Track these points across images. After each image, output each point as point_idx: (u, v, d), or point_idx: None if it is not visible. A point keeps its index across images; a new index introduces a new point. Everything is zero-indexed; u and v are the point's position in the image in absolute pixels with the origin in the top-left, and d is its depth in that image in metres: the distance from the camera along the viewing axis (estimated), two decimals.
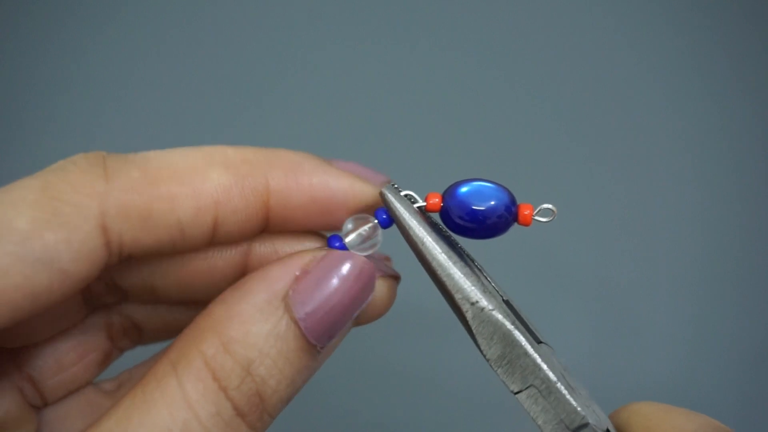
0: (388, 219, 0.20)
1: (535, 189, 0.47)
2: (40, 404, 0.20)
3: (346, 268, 0.17)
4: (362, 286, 0.18)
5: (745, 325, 0.45)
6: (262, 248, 0.20)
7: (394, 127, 0.47)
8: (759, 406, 0.44)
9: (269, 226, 0.19)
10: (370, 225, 0.20)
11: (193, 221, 0.17)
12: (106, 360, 0.22)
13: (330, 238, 0.20)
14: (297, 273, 0.17)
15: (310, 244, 0.21)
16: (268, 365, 0.16)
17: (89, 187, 0.16)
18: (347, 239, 0.20)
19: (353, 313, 0.18)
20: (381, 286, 0.20)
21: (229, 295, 0.17)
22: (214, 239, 0.18)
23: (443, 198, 0.20)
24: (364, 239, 0.20)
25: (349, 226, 0.20)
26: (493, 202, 0.19)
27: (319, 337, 0.17)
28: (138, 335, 0.22)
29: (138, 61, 0.47)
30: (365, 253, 0.20)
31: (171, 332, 0.23)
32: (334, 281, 0.17)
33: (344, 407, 0.44)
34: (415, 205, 0.20)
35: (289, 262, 0.17)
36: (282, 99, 0.47)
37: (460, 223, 0.20)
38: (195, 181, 0.17)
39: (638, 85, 0.48)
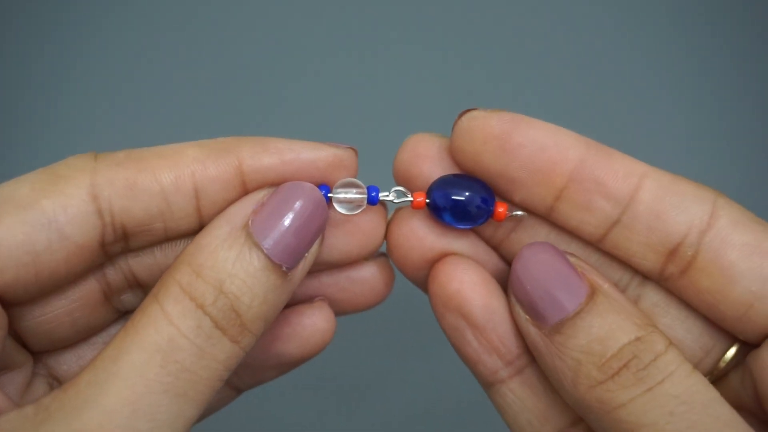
0: (377, 198, 0.22)
1: None
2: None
3: (296, 194, 0.20)
4: (313, 208, 0.20)
5: None
6: None
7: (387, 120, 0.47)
8: None
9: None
10: (358, 191, 0.21)
11: (175, 188, 0.20)
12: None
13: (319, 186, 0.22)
14: (254, 207, 0.20)
15: None
16: (238, 284, 0.19)
17: (81, 165, 0.20)
18: (336, 193, 0.22)
19: (312, 235, 0.20)
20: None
21: (197, 235, 0.20)
22: (201, 210, 0.21)
23: (429, 192, 0.22)
24: (348, 200, 0.21)
25: (340, 185, 0.22)
26: (469, 193, 0.21)
27: (283, 258, 0.19)
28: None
29: (133, 66, 0.47)
30: (346, 211, 0.22)
31: None
32: (287, 207, 0.20)
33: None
34: (402, 200, 0.22)
35: (245, 199, 0.20)
36: (277, 105, 0.47)
37: (442, 210, 0.21)
38: (173, 155, 0.20)
39: (634, 77, 0.48)
